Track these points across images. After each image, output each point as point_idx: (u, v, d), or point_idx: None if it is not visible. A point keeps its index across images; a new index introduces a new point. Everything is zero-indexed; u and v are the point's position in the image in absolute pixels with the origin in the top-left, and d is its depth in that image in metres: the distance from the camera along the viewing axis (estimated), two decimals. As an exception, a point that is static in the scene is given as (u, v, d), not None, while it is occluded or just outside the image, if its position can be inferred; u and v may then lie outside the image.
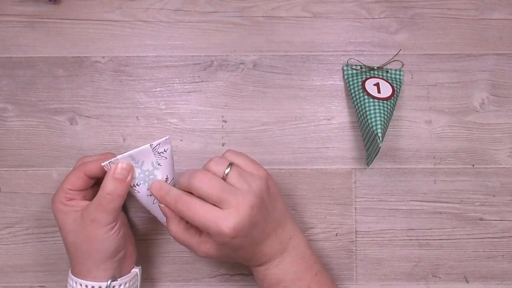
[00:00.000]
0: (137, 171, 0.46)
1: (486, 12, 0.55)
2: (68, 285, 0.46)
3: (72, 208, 0.45)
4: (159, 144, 0.45)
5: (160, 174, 0.46)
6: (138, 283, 0.49)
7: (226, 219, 0.41)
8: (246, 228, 0.42)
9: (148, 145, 0.45)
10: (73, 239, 0.45)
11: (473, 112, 0.55)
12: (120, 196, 0.44)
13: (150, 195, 0.46)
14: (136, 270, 0.49)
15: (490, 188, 0.54)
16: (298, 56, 0.55)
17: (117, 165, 0.44)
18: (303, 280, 0.46)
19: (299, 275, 0.46)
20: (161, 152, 0.46)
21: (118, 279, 0.46)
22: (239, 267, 0.54)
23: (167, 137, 0.46)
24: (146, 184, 0.46)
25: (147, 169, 0.46)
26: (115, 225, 0.45)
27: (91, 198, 0.46)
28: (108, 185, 0.44)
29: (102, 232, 0.44)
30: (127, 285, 0.47)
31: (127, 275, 0.47)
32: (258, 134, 0.55)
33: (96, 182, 0.48)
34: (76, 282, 0.45)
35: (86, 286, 0.45)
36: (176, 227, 0.44)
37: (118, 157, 0.44)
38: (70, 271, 0.47)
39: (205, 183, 0.42)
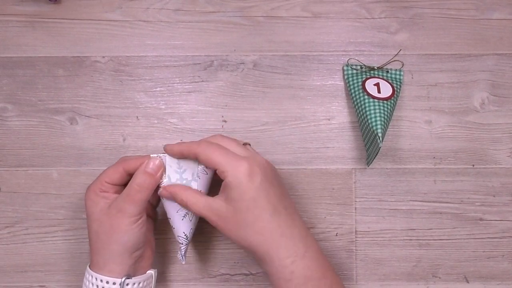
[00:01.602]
0: (176, 177, 0.46)
1: (486, 12, 0.55)
2: (84, 278, 0.47)
3: (103, 199, 0.46)
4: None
5: (196, 187, 0.47)
6: (153, 285, 0.49)
7: (243, 160, 0.43)
8: (261, 176, 0.43)
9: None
10: (96, 228, 0.46)
11: (473, 112, 0.55)
12: (147, 189, 0.45)
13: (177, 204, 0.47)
14: (151, 272, 0.49)
15: (490, 188, 0.54)
16: (298, 56, 0.55)
17: (150, 160, 0.46)
18: (326, 279, 0.44)
19: (324, 273, 0.44)
20: (205, 167, 0.47)
21: (132, 278, 0.46)
22: (239, 267, 0.54)
23: None
24: None
25: (186, 177, 0.46)
26: (139, 219, 0.46)
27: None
28: (138, 177, 0.46)
29: (125, 223, 0.45)
30: (140, 284, 0.47)
31: (141, 275, 0.47)
32: (258, 134, 0.55)
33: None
34: (92, 276, 0.46)
35: (101, 280, 0.45)
36: (188, 193, 0.45)
37: (167, 155, 0.46)
38: (88, 266, 0.47)
39: (214, 148, 0.44)
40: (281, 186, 0.46)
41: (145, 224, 0.47)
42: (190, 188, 0.46)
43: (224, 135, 0.47)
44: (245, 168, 0.43)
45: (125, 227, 0.45)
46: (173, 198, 0.46)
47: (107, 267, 0.46)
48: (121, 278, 0.45)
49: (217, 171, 0.44)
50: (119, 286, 0.45)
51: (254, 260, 0.46)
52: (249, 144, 0.49)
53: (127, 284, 0.46)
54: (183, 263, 0.49)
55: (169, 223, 0.48)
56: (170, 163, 0.46)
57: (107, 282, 0.45)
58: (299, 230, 0.45)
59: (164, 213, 0.49)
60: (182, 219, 0.47)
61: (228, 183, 0.43)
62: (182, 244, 0.48)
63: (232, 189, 0.43)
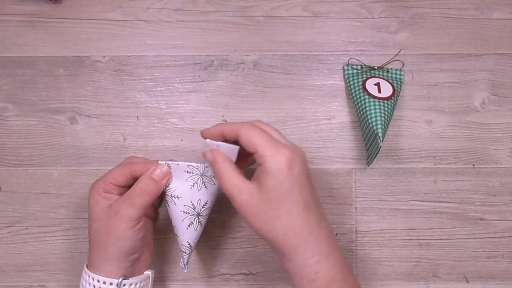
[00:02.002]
0: (182, 187, 0.46)
1: (486, 12, 0.55)
2: (81, 278, 0.47)
3: (105, 200, 0.46)
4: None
5: (203, 196, 0.46)
6: (150, 285, 0.49)
7: (285, 148, 0.41)
8: (299, 168, 0.42)
9: (206, 165, 0.46)
10: (96, 228, 0.46)
11: (474, 112, 0.55)
12: (149, 195, 0.45)
13: (183, 212, 0.46)
14: (148, 272, 0.48)
15: (490, 188, 0.54)
16: (298, 55, 0.55)
17: (157, 167, 0.45)
18: (348, 281, 0.43)
19: (346, 276, 0.43)
20: (212, 176, 0.46)
21: (129, 279, 0.46)
22: (239, 267, 0.54)
23: None
24: (185, 199, 0.46)
25: (194, 187, 0.46)
26: (137, 224, 0.45)
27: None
28: (142, 182, 0.45)
29: (122, 227, 0.44)
30: (137, 285, 0.46)
31: (138, 276, 0.47)
32: (259, 133, 0.55)
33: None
34: (89, 276, 0.45)
35: (98, 280, 0.45)
36: (226, 166, 0.43)
37: (179, 162, 0.45)
38: (85, 265, 0.47)
39: (257, 131, 0.43)
40: (312, 182, 0.45)
41: (143, 229, 0.46)
42: (232, 162, 0.44)
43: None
44: (287, 157, 0.41)
45: (122, 232, 0.44)
46: (212, 166, 0.44)
47: (104, 268, 0.45)
48: (118, 279, 0.45)
49: (255, 155, 0.42)
50: (116, 287, 0.45)
51: (275, 254, 0.44)
52: None
53: (124, 285, 0.45)
54: (185, 271, 0.48)
55: (173, 230, 0.48)
56: (178, 173, 0.46)
57: (104, 283, 0.45)
58: (326, 230, 0.43)
59: (166, 213, 0.49)
60: (187, 228, 0.47)
61: (266, 169, 0.41)
62: (185, 253, 0.48)
63: (269, 176, 0.41)
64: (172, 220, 0.47)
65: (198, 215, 0.46)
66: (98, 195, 0.46)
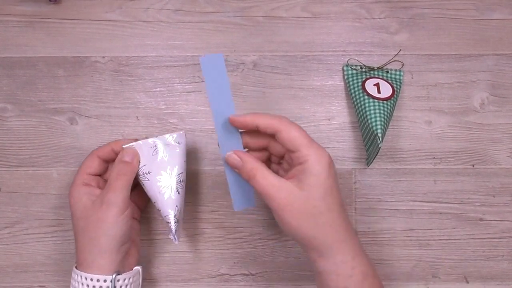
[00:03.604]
0: (152, 162, 0.48)
1: (486, 12, 0.55)
2: (72, 280, 0.46)
3: (85, 195, 0.47)
4: (173, 136, 0.49)
5: (171, 165, 0.48)
6: (140, 281, 0.49)
7: (324, 149, 0.42)
8: (335, 170, 0.43)
9: (167, 135, 0.49)
10: (83, 225, 0.46)
11: (473, 112, 0.55)
12: (126, 175, 0.46)
13: (157, 183, 0.48)
14: (138, 268, 0.49)
15: (490, 188, 0.54)
16: (298, 56, 0.55)
17: (124, 150, 0.48)
18: (377, 277, 0.44)
19: (375, 271, 0.44)
20: (175, 145, 0.49)
21: (122, 274, 0.46)
22: (239, 267, 0.54)
23: (183, 131, 0.50)
24: (156, 172, 0.48)
25: (161, 158, 0.48)
26: (125, 210, 0.46)
27: (104, 187, 0.48)
28: (116, 167, 0.47)
29: (111, 215, 0.45)
30: (130, 280, 0.47)
31: (130, 271, 0.47)
32: (258, 134, 0.55)
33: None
34: (80, 276, 0.45)
35: (91, 279, 0.44)
36: (258, 165, 0.42)
37: (141, 141, 0.48)
38: (74, 267, 0.46)
39: (297, 129, 0.43)
40: None
41: (130, 219, 0.47)
42: (261, 162, 0.43)
43: None
44: (328, 157, 0.42)
45: (112, 219, 0.45)
46: (240, 167, 0.43)
47: (97, 263, 0.45)
48: (112, 275, 0.45)
49: (295, 153, 0.42)
50: (110, 283, 0.45)
51: (306, 254, 0.43)
52: None
53: (118, 280, 0.45)
54: (176, 243, 0.48)
55: (156, 208, 0.49)
56: (144, 151, 0.48)
57: (98, 280, 0.44)
58: (352, 226, 0.45)
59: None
60: (166, 199, 0.48)
61: (309, 168, 0.41)
62: (170, 223, 0.48)
63: (312, 175, 0.41)
64: (151, 198, 0.48)
65: (172, 182, 0.48)
66: (77, 192, 0.47)
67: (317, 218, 0.41)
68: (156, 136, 0.49)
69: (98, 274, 0.45)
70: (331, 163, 0.42)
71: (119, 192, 0.46)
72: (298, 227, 0.41)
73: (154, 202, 0.48)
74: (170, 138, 0.49)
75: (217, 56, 0.43)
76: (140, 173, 0.48)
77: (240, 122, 0.43)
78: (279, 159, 0.47)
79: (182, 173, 0.49)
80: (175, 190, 0.48)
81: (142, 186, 0.49)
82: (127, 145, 0.48)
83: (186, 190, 0.51)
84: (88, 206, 0.46)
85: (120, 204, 0.45)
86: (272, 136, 0.43)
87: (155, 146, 0.48)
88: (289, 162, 0.45)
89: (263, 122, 0.42)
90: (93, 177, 0.49)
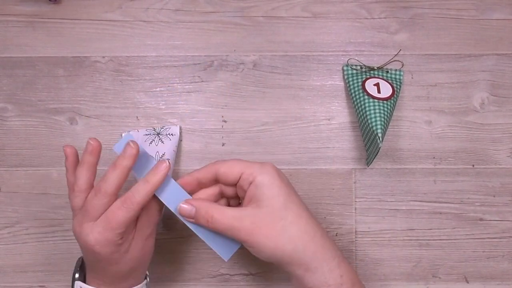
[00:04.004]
0: (143, 145, 0.51)
1: (486, 12, 0.55)
2: None
3: (116, 246, 0.43)
4: (170, 127, 0.53)
5: (161, 149, 0.51)
6: None
7: (264, 162, 0.42)
8: (284, 175, 0.42)
9: (164, 127, 0.53)
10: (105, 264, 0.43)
11: (473, 112, 0.55)
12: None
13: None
14: (145, 281, 0.47)
15: (490, 188, 0.54)
16: (298, 56, 0.55)
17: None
18: (362, 284, 0.42)
19: (358, 278, 0.42)
20: (168, 134, 0.53)
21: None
22: (239, 267, 0.54)
23: (179, 125, 0.54)
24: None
25: (152, 144, 0.52)
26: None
27: None
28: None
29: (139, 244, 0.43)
30: None
31: (138, 285, 0.46)
32: (258, 134, 0.55)
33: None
34: None
35: None
36: (211, 206, 0.41)
37: (138, 130, 0.53)
38: (81, 281, 0.45)
39: (231, 160, 0.43)
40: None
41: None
42: (212, 202, 0.43)
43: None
44: (272, 166, 0.41)
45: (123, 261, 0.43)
46: (194, 214, 0.42)
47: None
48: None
49: (241, 177, 0.41)
50: None
51: (292, 275, 0.40)
52: None
53: None
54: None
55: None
56: (140, 139, 0.52)
57: None
58: (323, 228, 0.43)
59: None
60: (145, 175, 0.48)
61: (259, 182, 0.40)
62: None
63: (265, 187, 0.40)
64: (135, 177, 0.48)
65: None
66: (114, 247, 0.41)
67: (290, 229, 0.39)
68: (154, 128, 0.53)
69: None
70: (277, 170, 0.41)
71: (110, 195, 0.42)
72: (275, 246, 0.39)
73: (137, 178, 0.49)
74: (165, 129, 0.53)
75: (125, 138, 0.43)
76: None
77: (184, 183, 0.43)
78: (233, 190, 0.45)
79: (169, 159, 0.51)
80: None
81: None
82: (124, 133, 0.52)
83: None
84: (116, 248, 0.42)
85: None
86: (216, 181, 0.43)
87: (150, 134, 0.53)
88: (241, 194, 0.43)
89: (201, 173, 0.43)
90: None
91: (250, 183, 0.41)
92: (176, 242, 0.54)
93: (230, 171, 0.42)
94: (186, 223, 0.43)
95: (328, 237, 0.42)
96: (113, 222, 0.40)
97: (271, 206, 0.40)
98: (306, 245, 0.40)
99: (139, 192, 0.41)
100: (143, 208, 0.43)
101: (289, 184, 0.42)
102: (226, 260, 0.44)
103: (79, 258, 0.47)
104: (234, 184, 0.43)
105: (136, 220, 0.43)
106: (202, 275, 0.55)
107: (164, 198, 0.43)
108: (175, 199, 0.43)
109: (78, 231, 0.42)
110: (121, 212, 0.41)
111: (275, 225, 0.39)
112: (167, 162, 0.42)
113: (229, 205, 0.46)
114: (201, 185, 0.44)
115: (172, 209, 0.43)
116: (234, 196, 0.45)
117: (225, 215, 0.40)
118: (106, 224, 0.40)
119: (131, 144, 0.42)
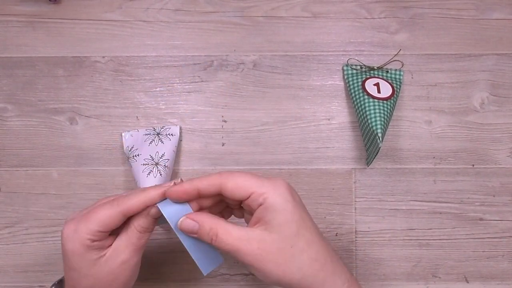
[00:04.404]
0: (143, 144, 0.52)
1: (486, 12, 0.55)
2: None
3: (96, 251, 0.39)
4: (170, 128, 0.54)
5: (160, 149, 0.51)
6: None
7: (277, 179, 0.38)
8: (298, 195, 0.38)
9: (164, 126, 0.54)
10: (92, 283, 0.40)
11: (473, 112, 0.55)
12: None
13: (143, 164, 0.50)
14: None
15: (490, 188, 0.54)
16: (298, 56, 0.55)
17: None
18: None
19: None
20: (168, 134, 0.53)
21: None
22: (239, 267, 0.54)
23: (179, 126, 0.54)
24: (144, 155, 0.51)
25: (151, 144, 0.52)
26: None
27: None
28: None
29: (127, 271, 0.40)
30: None
31: None
32: (258, 134, 0.55)
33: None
34: None
35: None
36: (217, 222, 0.38)
37: (138, 129, 0.53)
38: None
39: (239, 174, 0.38)
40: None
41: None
42: (218, 217, 0.38)
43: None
44: (286, 186, 0.37)
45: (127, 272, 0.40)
46: (198, 230, 0.38)
47: None
48: None
49: (250, 197, 0.37)
50: None
51: None
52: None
53: None
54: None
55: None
56: (140, 138, 0.53)
57: None
58: (332, 248, 0.40)
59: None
60: (147, 176, 0.49)
61: (271, 205, 0.36)
62: None
63: (277, 212, 0.36)
64: (134, 177, 0.51)
65: (157, 164, 0.50)
66: (83, 247, 0.38)
67: (300, 257, 0.37)
68: (154, 128, 0.53)
69: None
70: (290, 188, 0.38)
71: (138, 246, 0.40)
72: (283, 274, 0.37)
73: (136, 181, 0.50)
74: (165, 129, 0.53)
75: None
76: (130, 155, 0.51)
77: (178, 193, 0.38)
78: (238, 204, 0.41)
79: (168, 160, 0.51)
80: (158, 172, 0.50)
81: (130, 167, 0.51)
82: (125, 132, 0.53)
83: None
84: (99, 263, 0.40)
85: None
86: (219, 195, 0.39)
87: (149, 133, 0.53)
88: (249, 210, 0.39)
89: (203, 183, 0.38)
90: (106, 233, 0.41)
91: (261, 204, 0.37)
92: (176, 242, 0.54)
93: (238, 188, 0.37)
94: (176, 233, 0.39)
95: (339, 260, 0.40)
96: (90, 216, 0.38)
97: (282, 233, 0.37)
98: (316, 274, 0.37)
99: (130, 196, 0.38)
100: (124, 227, 0.40)
101: (302, 206, 0.39)
102: (204, 274, 0.41)
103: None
104: (240, 201, 0.39)
105: (115, 236, 0.40)
106: (202, 275, 0.54)
107: (165, 210, 0.39)
108: (175, 211, 0.39)
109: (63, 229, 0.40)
110: (102, 209, 0.38)
111: (284, 253, 0.37)
112: (174, 183, 0.39)
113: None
114: (200, 196, 0.39)
115: (171, 224, 0.39)
116: (238, 207, 0.41)
117: (231, 235, 0.37)
118: (82, 217, 0.38)
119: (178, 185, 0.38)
